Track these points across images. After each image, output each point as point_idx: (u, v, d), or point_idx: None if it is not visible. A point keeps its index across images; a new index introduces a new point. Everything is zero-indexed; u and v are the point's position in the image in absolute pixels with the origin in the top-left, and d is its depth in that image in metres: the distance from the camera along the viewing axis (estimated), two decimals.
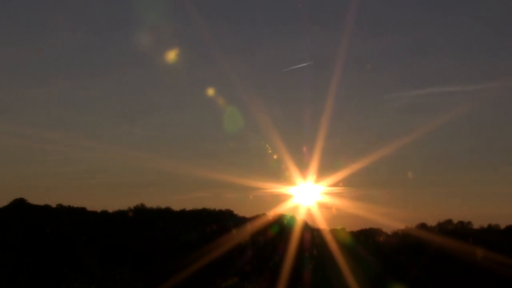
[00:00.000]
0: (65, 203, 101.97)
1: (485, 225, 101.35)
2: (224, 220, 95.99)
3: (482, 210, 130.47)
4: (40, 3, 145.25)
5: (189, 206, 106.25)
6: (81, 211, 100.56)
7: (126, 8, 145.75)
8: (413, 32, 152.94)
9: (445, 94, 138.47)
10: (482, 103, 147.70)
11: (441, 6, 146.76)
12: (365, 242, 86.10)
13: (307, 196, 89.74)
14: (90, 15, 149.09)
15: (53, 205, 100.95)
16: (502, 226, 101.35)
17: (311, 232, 79.18)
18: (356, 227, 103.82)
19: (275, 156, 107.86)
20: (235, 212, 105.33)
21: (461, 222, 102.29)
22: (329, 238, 76.83)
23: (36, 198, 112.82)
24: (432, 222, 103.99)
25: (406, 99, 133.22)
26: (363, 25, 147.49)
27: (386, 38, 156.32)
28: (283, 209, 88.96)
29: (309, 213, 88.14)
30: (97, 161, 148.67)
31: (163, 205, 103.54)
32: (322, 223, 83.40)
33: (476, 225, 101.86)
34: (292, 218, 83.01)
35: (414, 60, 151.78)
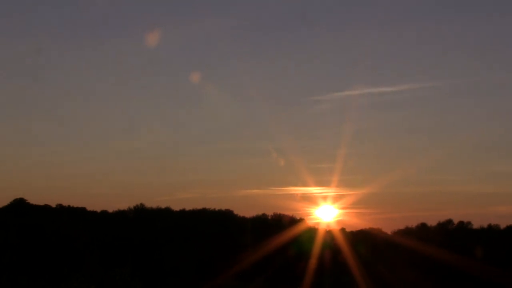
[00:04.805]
0: (65, 203, 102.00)
1: (485, 225, 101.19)
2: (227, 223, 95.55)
3: (482, 210, 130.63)
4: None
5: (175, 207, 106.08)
6: (81, 211, 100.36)
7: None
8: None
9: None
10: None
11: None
12: (364, 243, 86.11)
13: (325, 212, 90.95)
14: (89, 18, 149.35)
15: (53, 205, 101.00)
16: (502, 226, 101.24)
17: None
18: (356, 227, 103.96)
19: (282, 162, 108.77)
20: (235, 212, 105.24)
21: (461, 222, 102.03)
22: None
23: (36, 198, 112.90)
24: (432, 222, 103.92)
25: None
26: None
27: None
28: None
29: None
30: (98, 161, 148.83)
31: (162, 205, 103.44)
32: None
33: (476, 225, 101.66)
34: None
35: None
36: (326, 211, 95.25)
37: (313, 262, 74.15)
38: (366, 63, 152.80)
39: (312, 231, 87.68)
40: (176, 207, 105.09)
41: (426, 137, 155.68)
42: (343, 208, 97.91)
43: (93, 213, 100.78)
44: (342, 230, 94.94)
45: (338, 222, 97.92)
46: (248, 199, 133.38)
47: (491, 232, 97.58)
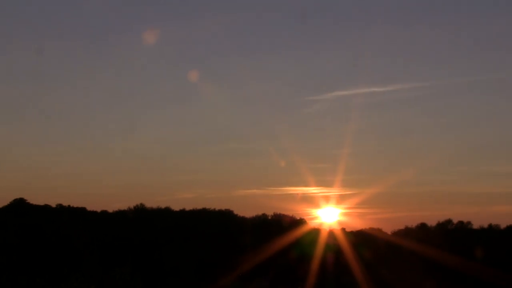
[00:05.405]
0: (65, 203, 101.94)
1: (485, 225, 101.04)
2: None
3: (482, 210, 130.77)
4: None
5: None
6: (81, 211, 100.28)
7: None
8: None
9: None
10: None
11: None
12: (365, 243, 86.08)
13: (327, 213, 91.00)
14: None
15: (53, 205, 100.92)
16: (502, 226, 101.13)
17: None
18: (356, 228, 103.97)
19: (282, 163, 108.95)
20: (235, 212, 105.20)
21: (461, 222, 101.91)
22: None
23: (36, 198, 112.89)
24: (432, 222, 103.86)
25: None
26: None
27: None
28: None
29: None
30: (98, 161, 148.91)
31: (162, 205, 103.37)
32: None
33: (476, 225, 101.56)
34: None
35: None
36: (326, 211, 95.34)
37: (314, 263, 74.14)
38: (367, 63, 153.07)
39: (313, 232, 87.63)
40: (176, 207, 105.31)
41: (426, 137, 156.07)
42: (343, 208, 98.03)
43: (93, 213, 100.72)
44: (343, 230, 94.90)
45: (338, 222, 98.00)
46: (248, 199, 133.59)
47: (491, 232, 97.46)
